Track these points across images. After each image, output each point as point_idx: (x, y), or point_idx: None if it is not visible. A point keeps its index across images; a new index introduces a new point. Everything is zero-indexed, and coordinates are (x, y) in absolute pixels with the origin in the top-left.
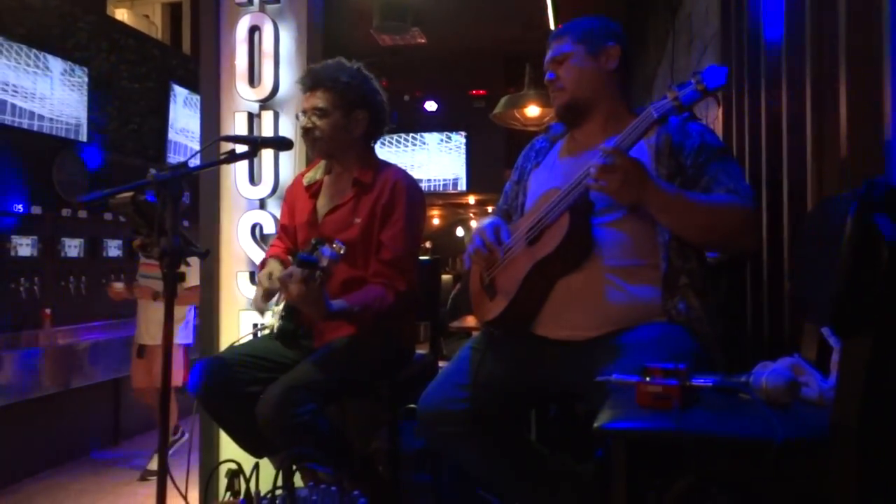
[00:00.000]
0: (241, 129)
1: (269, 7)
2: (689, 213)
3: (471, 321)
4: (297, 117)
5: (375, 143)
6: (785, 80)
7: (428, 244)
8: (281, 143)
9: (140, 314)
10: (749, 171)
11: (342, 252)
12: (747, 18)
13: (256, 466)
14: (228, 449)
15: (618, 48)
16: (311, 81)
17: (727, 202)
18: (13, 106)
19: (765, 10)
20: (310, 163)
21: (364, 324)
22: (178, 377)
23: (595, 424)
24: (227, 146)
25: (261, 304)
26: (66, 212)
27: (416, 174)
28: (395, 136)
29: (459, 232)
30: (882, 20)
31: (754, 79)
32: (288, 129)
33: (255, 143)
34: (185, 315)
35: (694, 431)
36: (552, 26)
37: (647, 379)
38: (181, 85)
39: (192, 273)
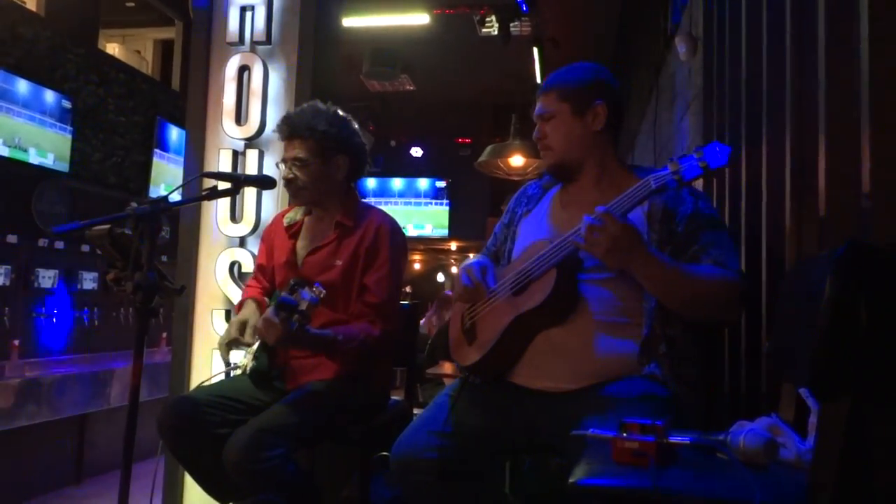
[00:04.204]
0: (225, 166)
1: (260, 48)
2: (676, 284)
3: (448, 368)
4: (277, 166)
5: (356, 183)
6: (765, 141)
7: (408, 289)
8: (264, 182)
9: None
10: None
11: (322, 296)
12: (729, 81)
13: None
14: (193, 493)
15: (604, 106)
16: (288, 130)
17: (714, 276)
18: None
19: (746, 74)
20: (291, 202)
21: (347, 357)
22: None
23: (570, 480)
24: (210, 182)
25: (223, 352)
26: (42, 242)
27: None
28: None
29: (440, 277)
30: (861, 83)
31: (735, 139)
32: (272, 168)
33: (238, 181)
34: None
35: (670, 490)
36: (539, 78)
37: (624, 434)
38: (168, 120)
39: None
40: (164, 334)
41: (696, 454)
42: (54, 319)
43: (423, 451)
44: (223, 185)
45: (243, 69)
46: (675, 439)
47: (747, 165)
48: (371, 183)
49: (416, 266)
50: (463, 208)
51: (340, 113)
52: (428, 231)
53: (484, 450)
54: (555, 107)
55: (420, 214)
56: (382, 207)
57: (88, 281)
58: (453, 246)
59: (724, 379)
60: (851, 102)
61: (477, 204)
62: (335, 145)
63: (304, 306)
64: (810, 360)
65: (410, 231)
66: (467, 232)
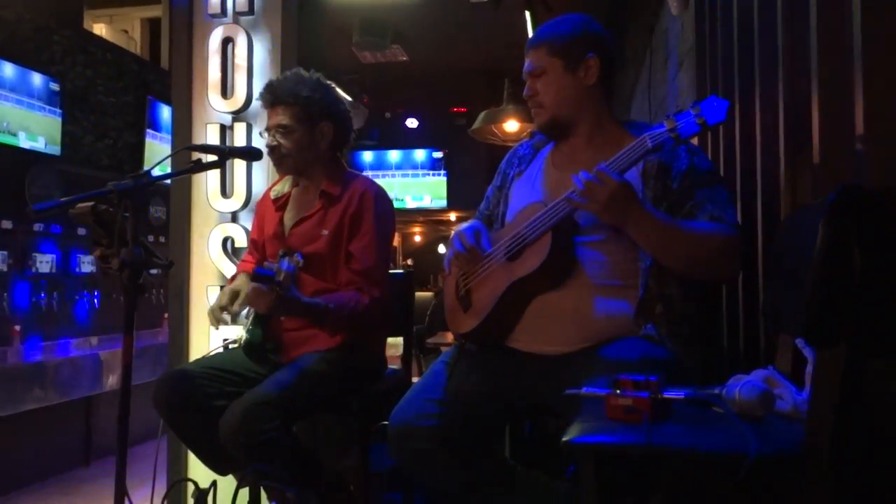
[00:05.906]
0: (212, 140)
1: (243, 19)
2: (671, 241)
3: (449, 337)
4: (261, 135)
5: (342, 152)
6: (758, 92)
7: (409, 262)
8: (250, 154)
9: None
10: None
11: (300, 265)
12: (721, 35)
13: (213, 484)
14: (197, 471)
15: (597, 59)
16: (271, 97)
17: (710, 231)
18: None
19: (738, 27)
20: (277, 171)
21: (339, 326)
22: None
23: (563, 439)
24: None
25: (217, 315)
26: (38, 227)
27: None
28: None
29: (441, 249)
30: (853, 28)
31: (728, 92)
32: (261, 140)
33: (223, 153)
34: None
35: (665, 446)
36: None
37: (618, 392)
38: (159, 99)
39: None
40: (167, 315)
41: (691, 409)
42: (54, 304)
43: (420, 418)
44: (208, 158)
45: (227, 41)
46: (669, 394)
47: (741, 118)
48: (367, 156)
49: (417, 238)
50: (461, 178)
51: (323, 80)
52: (427, 202)
53: (482, 415)
54: (545, 62)
55: (418, 186)
56: (380, 181)
57: (87, 264)
58: (452, 216)
59: (722, 336)
60: (843, 47)
61: (474, 173)
62: (319, 111)
63: (280, 276)
64: (804, 307)
65: (409, 203)
66: (466, 202)
